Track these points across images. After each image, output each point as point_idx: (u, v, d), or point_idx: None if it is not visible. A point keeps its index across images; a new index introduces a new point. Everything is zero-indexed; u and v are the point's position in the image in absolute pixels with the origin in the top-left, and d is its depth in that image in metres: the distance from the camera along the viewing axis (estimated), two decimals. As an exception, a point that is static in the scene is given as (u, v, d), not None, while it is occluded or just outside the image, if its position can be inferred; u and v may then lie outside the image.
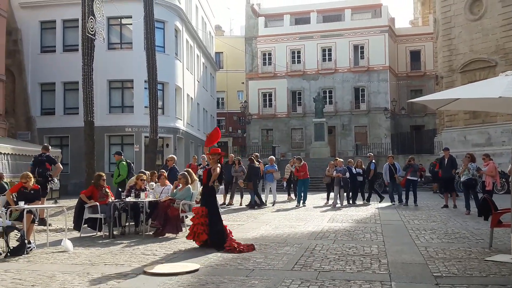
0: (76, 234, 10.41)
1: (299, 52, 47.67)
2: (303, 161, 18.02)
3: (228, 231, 8.59)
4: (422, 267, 6.66)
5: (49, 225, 11.12)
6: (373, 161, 19.03)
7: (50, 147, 13.57)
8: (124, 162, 13.43)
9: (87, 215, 10.26)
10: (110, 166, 29.32)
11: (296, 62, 47.72)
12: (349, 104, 46.14)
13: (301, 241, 9.06)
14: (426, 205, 17.39)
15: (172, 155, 14.71)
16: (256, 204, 17.08)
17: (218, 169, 8.51)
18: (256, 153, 20.57)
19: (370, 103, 45.76)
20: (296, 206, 17.27)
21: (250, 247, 8.07)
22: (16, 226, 8.34)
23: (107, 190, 10.80)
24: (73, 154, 28.42)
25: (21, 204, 8.61)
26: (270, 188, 18.20)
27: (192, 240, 8.54)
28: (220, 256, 7.57)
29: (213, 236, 8.28)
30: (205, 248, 8.21)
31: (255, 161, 17.58)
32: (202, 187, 8.75)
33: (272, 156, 19.25)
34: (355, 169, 18.30)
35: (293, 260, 7.19)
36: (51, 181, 12.95)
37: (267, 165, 18.52)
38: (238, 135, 54.56)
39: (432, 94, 9.89)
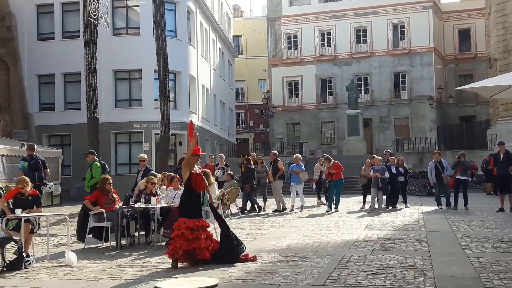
0: (80, 245, 10.58)
1: (329, 34, 47.40)
2: (332, 160, 17.93)
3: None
4: (474, 281, 6.58)
5: (51, 235, 11.32)
6: (389, 159, 18.48)
7: (36, 146, 13.86)
8: (98, 163, 13.50)
9: (92, 223, 10.39)
10: (117, 168, 29.69)
11: (325, 45, 47.47)
12: (387, 92, 45.73)
13: (333, 252, 9.03)
14: (478, 209, 17.13)
15: (143, 155, 14.41)
16: (252, 209, 17.28)
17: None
18: (253, 153, 20.49)
19: (412, 91, 45.27)
20: (327, 211, 17.22)
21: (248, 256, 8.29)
22: (13, 237, 8.46)
23: (114, 195, 10.91)
24: (75, 154, 28.79)
25: (18, 212, 8.72)
26: (297, 191, 18.15)
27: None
28: (241, 270, 7.60)
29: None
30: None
31: (251, 162, 17.55)
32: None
33: (297, 155, 19.17)
34: (395, 168, 18.12)
35: (325, 274, 7.18)
36: (44, 186, 13.21)
37: (292, 165, 18.49)
38: (260, 131, 54.63)
39: (484, 80, 9.74)
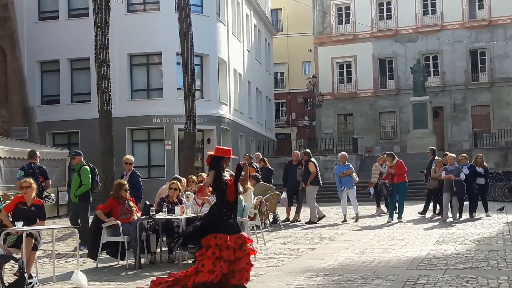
0: (91, 263, 10.78)
1: (388, 4, 46.99)
2: (396, 158, 17.77)
3: None
4: None
5: (57, 253, 11.54)
6: (460, 158, 18.22)
7: (38, 153, 14.08)
8: (87, 167, 13.58)
9: (105, 238, 10.55)
10: (133, 171, 29.96)
11: (384, 18, 47.11)
12: (462, 74, 45.03)
13: (397, 272, 8.97)
14: None
15: (129, 156, 14.18)
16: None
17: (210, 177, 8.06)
18: (297, 151, 20.40)
19: (493, 71, 44.47)
20: (389, 221, 17.11)
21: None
22: (13, 254, 8.52)
23: (132, 203, 11.07)
24: (85, 155, 29.08)
25: (19, 225, 8.78)
26: (348, 197, 18.05)
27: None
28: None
29: None
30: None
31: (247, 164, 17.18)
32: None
33: (343, 153, 19.06)
34: (470, 168, 17.85)
35: (387, 298, 7.13)
36: (47, 198, 13.47)
37: (337, 166, 18.40)
38: (305, 124, 54.47)
39: None
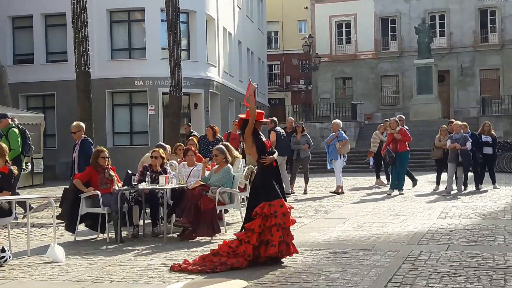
0: (69, 237, 10.80)
1: (392, -42, 46.67)
2: (399, 125, 17.79)
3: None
4: None
5: (32, 225, 11.57)
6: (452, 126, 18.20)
7: (9, 116, 13.87)
8: (16, 129, 13.33)
9: (84, 209, 10.54)
10: (114, 138, 30.07)
11: (387, -27, 46.82)
12: (471, 35, 45.00)
13: (397, 247, 9.01)
14: None
15: (77, 123, 13.24)
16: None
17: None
18: (291, 118, 20.26)
19: (504, 32, 44.45)
20: (389, 194, 17.18)
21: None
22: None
23: (112, 173, 11.06)
24: (61, 120, 29.22)
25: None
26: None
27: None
28: (277, 269, 7.67)
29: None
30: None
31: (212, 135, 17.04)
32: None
33: (336, 120, 18.97)
34: (481, 136, 17.90)
35: (386, 275, 7.17)
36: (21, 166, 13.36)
37: (332, 135, 18.28)
38: (300, 88, 54.41)
39: None
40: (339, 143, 17.83)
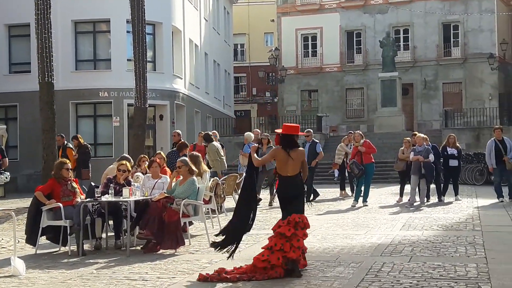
0: (30, 250, 10.65)
1: (357, -28, 47.09)
2: (363, 138, 17.93)
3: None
4: (543, 297, 6.61)
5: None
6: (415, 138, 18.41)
7: None
8: None
9: (45, 222, 10.42)
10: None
11: (353, -12, 47.21)
12: (434, 49, 45.53)
13: (360, 259, 9.07)
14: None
15: None
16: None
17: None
18: (257, 130, 20.45)
19: (467, 47, 45.03)
20: (353, 205, 17.27)
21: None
22: None
23: (75, 185, 10.96)
24: (24, 132, 28.91)
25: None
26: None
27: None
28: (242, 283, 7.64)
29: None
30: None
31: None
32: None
33: (248, 132, 19.20)
34: (446, 149, 18.15)
35: (349, 287, 7.22)
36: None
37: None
38: (266, 101, 54.55)
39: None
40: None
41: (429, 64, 45.61)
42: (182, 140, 18.72)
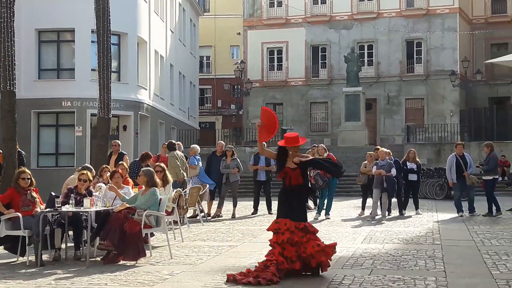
0: (-13, 260, 10.47)
1: (323, -12, 47.45)
2: (327, 152, 18.04)
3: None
4: (500, 310, 6.68)
5: None
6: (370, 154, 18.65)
7: None
8: None
9: (3, 231, 10.28)
10: (39, 159, 29.44)
11: (319, 3, 47.56)
12: (397, 65, 46.06)
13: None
14: (511, 217, 17.41)
15: None
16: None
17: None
18: (221, 142, 20.53)
19: (429, 64, 45.66)
20: (316, 218, 17.31)
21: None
22: None
23: (34, 194, 10.83)
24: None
25: None
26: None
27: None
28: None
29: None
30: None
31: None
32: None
33: (194, 145, 19.49)
34: (406, 163, 18.35)
35: (309, 299, 7.22)
36: None
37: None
38: (231, 113, 54.60)
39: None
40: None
41: (392, 80, 46.08)
42: (146, 151, 18.72)
